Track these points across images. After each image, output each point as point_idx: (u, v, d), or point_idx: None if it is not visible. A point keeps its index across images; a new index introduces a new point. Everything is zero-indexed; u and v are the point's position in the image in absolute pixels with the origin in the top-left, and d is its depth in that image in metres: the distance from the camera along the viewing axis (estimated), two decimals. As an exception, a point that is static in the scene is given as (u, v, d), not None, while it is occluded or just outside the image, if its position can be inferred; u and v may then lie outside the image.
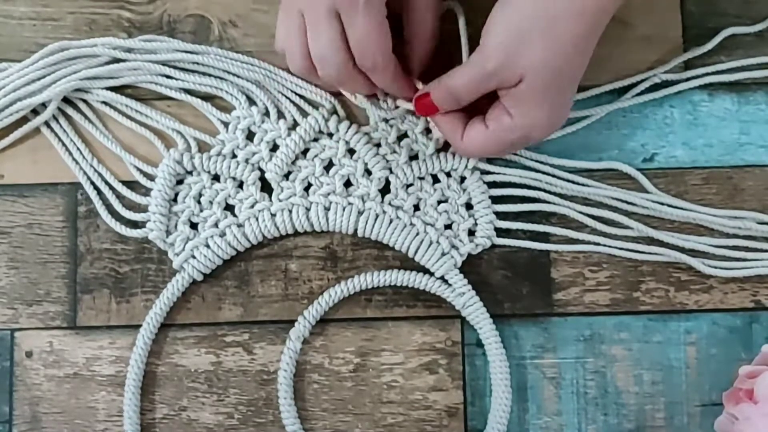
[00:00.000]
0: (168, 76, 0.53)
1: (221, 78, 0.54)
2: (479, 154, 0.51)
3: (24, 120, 0.53)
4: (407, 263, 0.53)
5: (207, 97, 0.54)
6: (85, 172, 0.53)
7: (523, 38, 0.44)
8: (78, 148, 0.53)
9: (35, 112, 0.54)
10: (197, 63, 0.54)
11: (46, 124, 0.54)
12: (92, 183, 0.53)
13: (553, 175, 0.53)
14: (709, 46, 0.54)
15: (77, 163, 0.53)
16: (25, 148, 0.54)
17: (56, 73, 0.53)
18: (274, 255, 0.54)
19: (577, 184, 0.53)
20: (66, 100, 0.54)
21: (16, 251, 0.53)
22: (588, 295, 0.53)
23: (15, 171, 0.54)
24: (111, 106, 0.54)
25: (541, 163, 0.53)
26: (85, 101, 0.54)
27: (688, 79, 0.54)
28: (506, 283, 0.53)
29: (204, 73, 0.54)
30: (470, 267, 0.53)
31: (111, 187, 0.53)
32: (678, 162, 0.54)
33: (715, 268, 0.53)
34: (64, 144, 0.54)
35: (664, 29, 0.55)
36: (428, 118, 0.52)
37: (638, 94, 0.54)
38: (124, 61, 0.53)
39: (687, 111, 0.54)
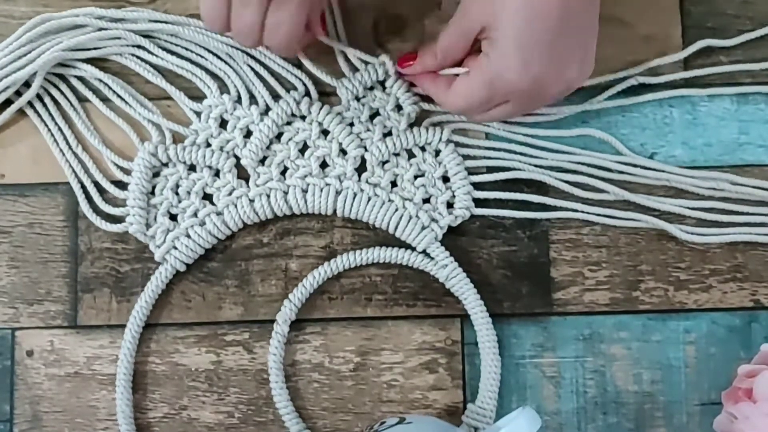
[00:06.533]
0: (146, 49, 0.54)
1: (199, 55, 0.54)
2: (466, 104, 0.49)
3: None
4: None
5: (179, 89, 0.54)
6: (71, 166, 0.53)
7: None
8: (65, 138, 0.54)
9: (19, 94, 0.54)
10: (177, 37, 0.54)
11: (35, 112, 0.54)
12: (78, 179, 0.53)
13: (528, 144, 0.54)
14: (682, 55, 0.54)
15: (63, 154, 0.54)
16: (26, 147, 0.54)
17: (40, 48, 0.53)
18: (274, 255, 0.54)
19: (552, 151, 0.54)
20: (52, 86, 0.54)
21: (17, 251, 0.54)
22: (587, 294, 0.53)
23: (16, 170, 0.54)
24: (89, 87, 0.54)
25: (514, 133, 0.54)
26: (67, 83, 0.54)
27: (665, 84, 0.54)
28: (506, 282, 0.53)
29: (182, 56, 0.54)
30: (470, 266, 0.53)
31: (95, 183, 0.54)
32: (677, 161, 0.54)
33: (692, 234, 0.53)
34: (56, 140, 0.54)
35: (664, 29, 0.55)
36: (411, 81, 0.53)
37: (614, 96, 0.54)
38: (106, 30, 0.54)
39: (686, 111, 0.54)
